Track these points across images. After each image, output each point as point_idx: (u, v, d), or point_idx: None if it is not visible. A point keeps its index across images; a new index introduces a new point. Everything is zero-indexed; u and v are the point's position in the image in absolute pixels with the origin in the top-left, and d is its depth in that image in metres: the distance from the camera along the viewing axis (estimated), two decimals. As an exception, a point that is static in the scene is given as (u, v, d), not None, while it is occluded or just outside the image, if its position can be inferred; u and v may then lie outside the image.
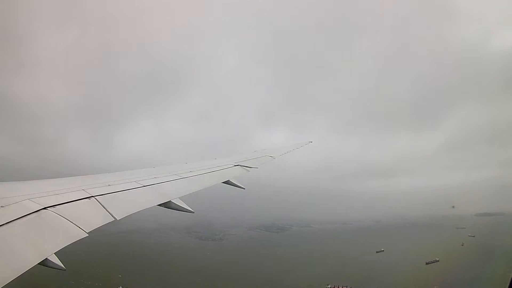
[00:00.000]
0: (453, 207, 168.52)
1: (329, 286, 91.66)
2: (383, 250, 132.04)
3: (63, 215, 5.09)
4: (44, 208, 5.09)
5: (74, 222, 5.03)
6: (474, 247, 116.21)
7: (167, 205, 7.03)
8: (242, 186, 9.49)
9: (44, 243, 4.56)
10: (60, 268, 5.09)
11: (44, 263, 4.44)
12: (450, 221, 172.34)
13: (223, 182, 9.32)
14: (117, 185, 7.01)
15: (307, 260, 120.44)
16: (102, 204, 5.94)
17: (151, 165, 11.11)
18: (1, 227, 4.32)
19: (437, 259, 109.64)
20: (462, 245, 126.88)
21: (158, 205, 6.92)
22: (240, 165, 10.98)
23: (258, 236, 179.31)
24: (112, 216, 5.67)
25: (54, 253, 4.69)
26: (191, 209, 7.20)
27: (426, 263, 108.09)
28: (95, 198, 6.05)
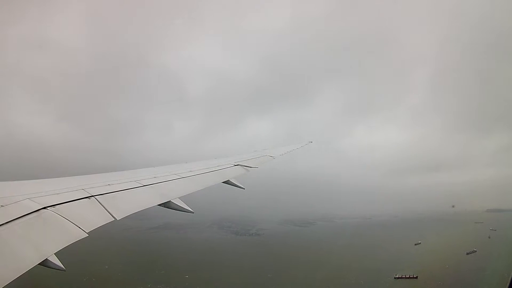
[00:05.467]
0: (453, 206, 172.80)
1: (397, 276, 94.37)
2: (420, 243, 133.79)
3: (63, 215, 5.11)
4: (44, 208, 5.10)
5: (74, 222, 5.05)
6: (501, 239, 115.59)
7: (167, 205, 7.04)
8: (241, 186, 9.51)
9: (44, 243, 4.57)
10: (60, 269, 5.06)
11: (44, 263, 4.45)
12: (464, 217, 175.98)
13: (223, 182, 9.33)
14: (117, 184, 6.99)
15: (355, 253, 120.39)
16: (102, 204, 5.94)
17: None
18: (1, 226, 4.33)
19: (475, 249, 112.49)
20: (489, 237, 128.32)
21: (158, 205, 6.91)
22: (240, 165, 11.02)
23: (291, 230, 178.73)
24: (112, 216, 5.68)
25: (54, 254, 4.67)
26: (191, 209, 7.23)
27: (467, 253, 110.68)
28: (95, 198, 6.05)
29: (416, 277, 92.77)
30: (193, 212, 7.23)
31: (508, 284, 8.77)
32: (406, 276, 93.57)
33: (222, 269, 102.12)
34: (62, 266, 5.03)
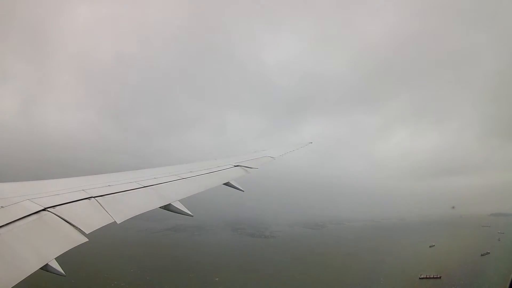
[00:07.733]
0: (453, 207, 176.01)
1: (421, 276, 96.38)
2: (434, 245, 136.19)
3: (63, 217, 5.03)
4: (44, 209, 5.02)
5: (74, 224, 4.95)
6: (511, 241, 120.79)
7: (167, 207, 6.98)
8: (241, 188, 9.35)
9: (44, 247, 4.49)
10: (59, 274, 4.97)
11: (44, 267, 4.37)
12: (470, 220, 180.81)
13: (223, 184, 9.17)
14: (117, 185, 6.92)
15: (374, 255, 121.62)
16: (102, 205, 5.87)
17: None
18: (1, 228, 4.27)
19: (488, 251, 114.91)
20: (499, 240, 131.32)
21: (159, 207, 6.84)
22: (240, 166, 10.86)
23: (303, 232, 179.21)
24: (113, 218, 5.61)
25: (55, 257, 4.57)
26: (190, 213, 7.16)
27: (481, 255, 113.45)
28: (95, 199, 5.97)
29: (440, 277, 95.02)
30: (192, 216, 7.16)
31: (508, 284, 8.69)
32: (430, 276, 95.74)
33: (249, 271, 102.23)
34: (62, 271, 4.96)
